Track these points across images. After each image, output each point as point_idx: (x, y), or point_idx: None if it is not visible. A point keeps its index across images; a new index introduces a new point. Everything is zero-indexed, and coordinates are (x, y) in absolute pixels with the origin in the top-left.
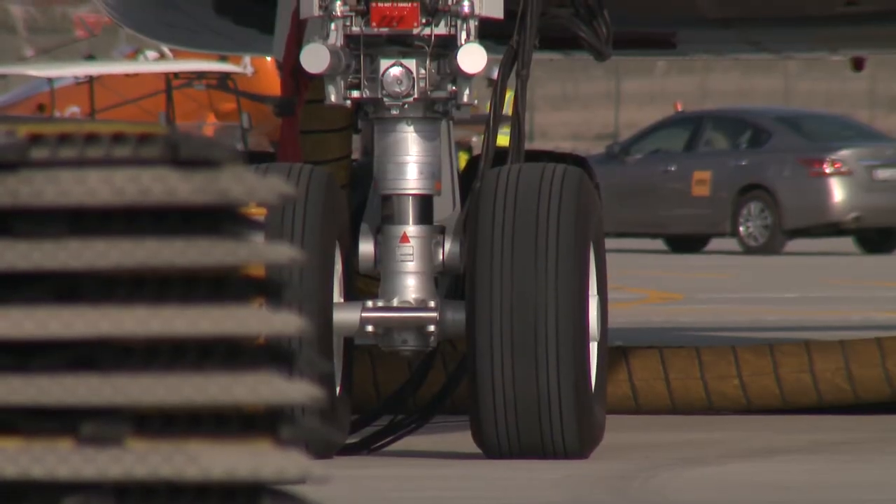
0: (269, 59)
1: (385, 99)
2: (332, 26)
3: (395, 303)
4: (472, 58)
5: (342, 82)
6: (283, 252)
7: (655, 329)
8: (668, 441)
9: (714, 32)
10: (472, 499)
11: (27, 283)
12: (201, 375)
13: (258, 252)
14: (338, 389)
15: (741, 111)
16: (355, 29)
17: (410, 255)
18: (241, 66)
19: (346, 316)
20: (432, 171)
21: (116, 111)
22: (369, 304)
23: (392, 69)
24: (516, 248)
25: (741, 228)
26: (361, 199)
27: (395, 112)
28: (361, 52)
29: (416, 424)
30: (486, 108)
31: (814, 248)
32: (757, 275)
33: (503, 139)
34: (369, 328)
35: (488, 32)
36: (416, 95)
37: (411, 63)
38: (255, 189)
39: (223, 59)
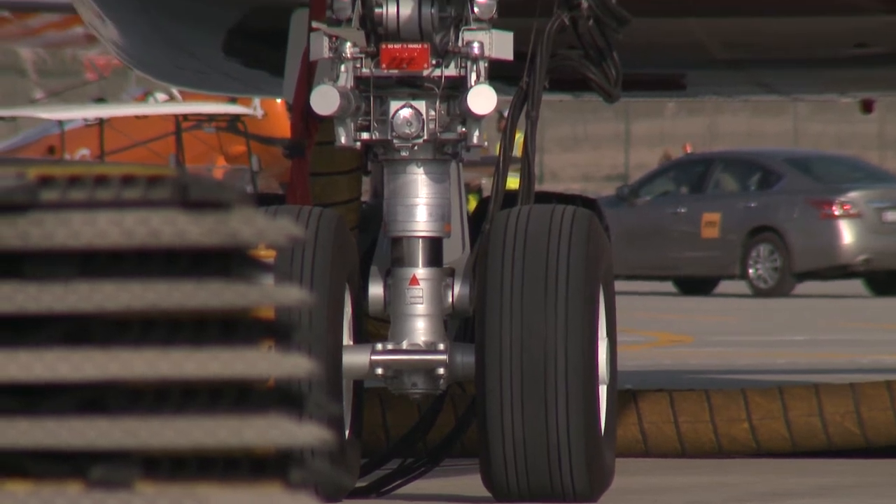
0: (278, 101)
1: (395, 141)
2: (342, 68)
3: (404, 345)
4: (482, 99)
5: (352, 124)
6: (293, 294)
7: (665, 372)
8: (678, 484)
9: (723, 74)
10: None
11: (37, 325)
12: (211, 418)
13: (268, 294)
14: (347, 432)
15: (751, 153)
16: (365, 71)
17: (420, 297)
18: (251, 108)
19: (355, 358)
20: (442, 213)
21: (126, 153)
22: (379, 346)
23: (402, 111)
24: (526, 290)
25: (750, 271)
26: (371, 241)
27: (404, 154)
28: (371, 93)
29: (426, 467)
30: (496, 149)
31: (823, 291)
32: (766, 317)
33: (513, 181)
34: (379, 371)
35: (498, 74)
36: (425, 137)
37: (421, 105)
38: (264, 231)
39: (233, 101)
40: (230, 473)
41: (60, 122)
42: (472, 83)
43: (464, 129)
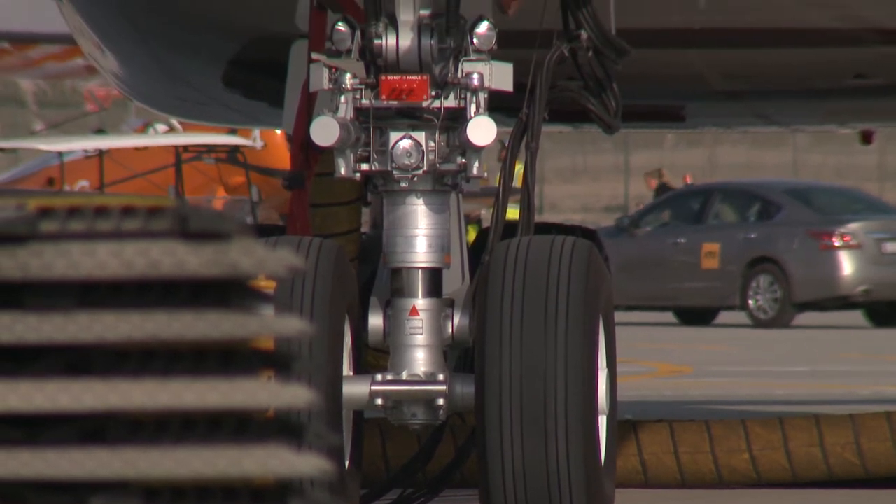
0: (278, 132)
1: (394, 172)
2: (342, 99)
3: (404, 376)
4: (482, 130)
5: (351, 155)
6: (293, 325)
7: (665, 402)
8: None
9: (723, 105)
10: None
11: (37, 356)
12: (210, 449)
13: (267, 325)
14: (347, 463)
15: (750, 184)
16: (365, 102)
17: (420, 328)
18: (251, 139)
19: (355, 389)
20: (441, 244)
21: (126, 185)
22: (378, 377)
23: (401, 142)
24: (525, 320)
25: (750, 301)
26: (371, 272)
27: (404, 185)
28: (371, 124)
29: (426, 498)
30: (496, 180)
31: (823, 322)
32: (766, 348)
33: (513, 212)
34: (379, 401)
35: (498, 105)
36: (425, 168)
37: (421, 136)
38: (264, 262)
39: (232, 132)
40: (230, 503)
41: (60, 154)
42: (472, 114)
43: (463, 161)
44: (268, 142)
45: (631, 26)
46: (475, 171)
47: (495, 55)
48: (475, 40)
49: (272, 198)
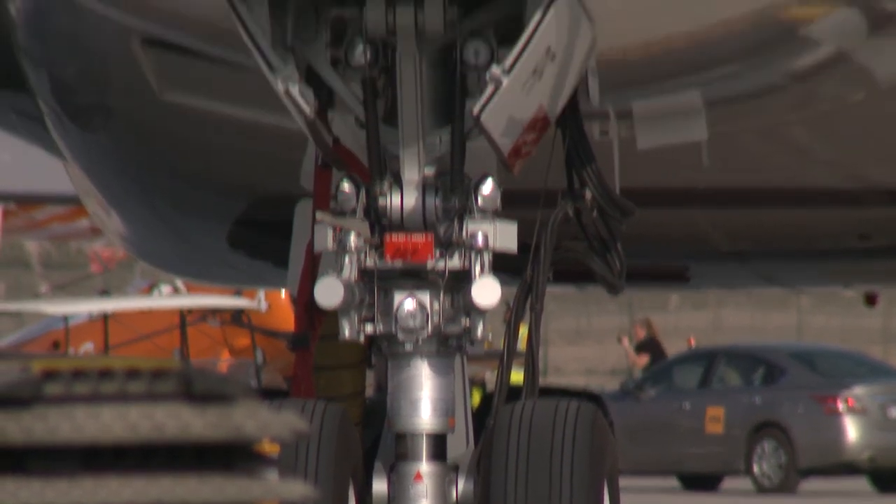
0: (283, 293)
1: (399, 334)
2: (346, 260)
3: None
4: (487, 292)
5: (356, 317)
6: (297, 489)
7: None
8: None
9: (727, 265)
10: None
11: None
12: None
13: (272, 489)
14: None
15: (754, 347)
16: (369, 262)
17: (424, 493)
18: (255, 301)
19: None
20: (446, 408)
21: (130, 347)
22: None
23: (406, 303)
24: (530, 486)
25: (755, 467)
26: (375, 435)
27: (408, 347)
28: (375, 285)
29: None
30: (501, 343)
31: (828, 488)
32: None
33: (517, 375)
34: None
35: (502, 265)
36: (429, 331)
37: (425, 296)
38: (268, 425)
39: (237, 293)
40: None
41: (65, 317)
42: (477, 275)
43: (468, 322)
44: (272, 303)
45: (635, 186)
46: (479, 332)
47: (499, 215)
48: (479, 200)
49: (277, 360)
